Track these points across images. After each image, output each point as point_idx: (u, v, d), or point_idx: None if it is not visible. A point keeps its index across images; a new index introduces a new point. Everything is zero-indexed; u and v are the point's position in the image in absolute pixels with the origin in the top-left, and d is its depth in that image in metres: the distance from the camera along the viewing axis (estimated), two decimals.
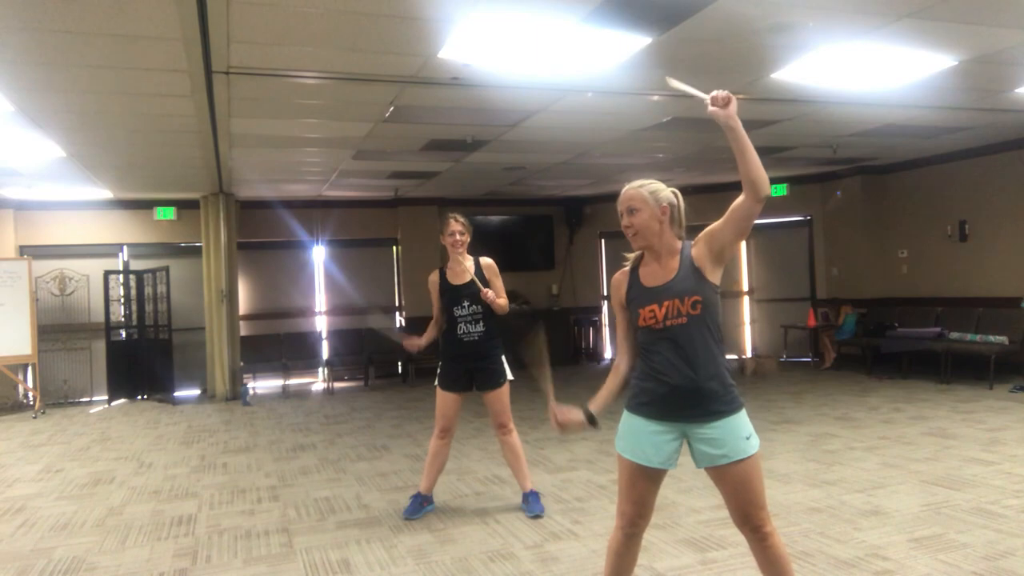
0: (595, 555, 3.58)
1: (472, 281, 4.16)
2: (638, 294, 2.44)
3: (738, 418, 2.35)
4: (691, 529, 3.89)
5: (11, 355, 8.70)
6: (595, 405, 2.48)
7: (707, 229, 2.41)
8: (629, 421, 2.45)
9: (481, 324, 4.20)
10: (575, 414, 2.48)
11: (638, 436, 2.41)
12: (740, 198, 2.27)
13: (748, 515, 2.35)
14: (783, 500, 4.33)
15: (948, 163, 9.10)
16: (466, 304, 4.19)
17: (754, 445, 2.35)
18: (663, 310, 2.35)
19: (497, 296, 4.16)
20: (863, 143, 8.21)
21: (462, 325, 4.20)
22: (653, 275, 2.43)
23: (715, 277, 2.38)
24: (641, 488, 2.43)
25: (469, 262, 4.23)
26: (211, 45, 4.15)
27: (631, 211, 2.42)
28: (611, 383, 2.52)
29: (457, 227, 4.20)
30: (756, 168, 2.19)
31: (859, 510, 4.09)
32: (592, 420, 2.46)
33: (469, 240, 4.26)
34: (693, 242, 2.44)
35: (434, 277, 4.36)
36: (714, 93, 2.21)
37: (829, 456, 5.31)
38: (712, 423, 2.33)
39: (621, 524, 2.47)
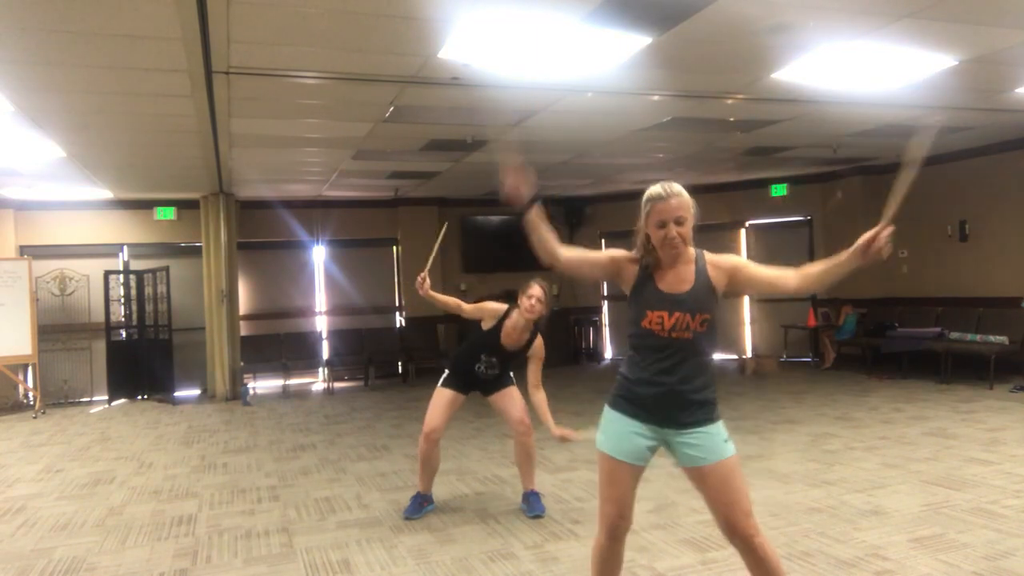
0: None
1: (515, 350, 4.13)
2: (650, 295, 2.36)
3: (718, 426, 2.38)
4: (691, 529, 3.89)
5: (11, 355, 8.69)
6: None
7: (739, 263, 2.41)
8: (612, 418, 2.45)
9: (497, 370, 4.24)
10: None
11: (620, 434, 2.41)
12: (788, 280, 2.32)
13: (736, 523, 2.31)
14: (783, 500, 4.33)
15: (948, 163, 9.09)
16: (493, 359, 4.19)
17: (732, 448, 2.38)
18: (672, 320, 2.31)
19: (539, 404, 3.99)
20: (863, 143, 8.21)
21: (480, 366, 4.22)
22: (668, 281, 2.36)
23: (720, 298, 2.41)
24: (622, 486, 2.43)
25: (529, 333, 4.14)
26: (211, 45, 4.15)
27: (680, 221, 2.29)
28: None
29: (538, 292, 3.94)
30: (832, 282, 2.29)
31: (859, 510, 4.09)
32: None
33: (546, 314, 4.01)
34: (713, 261, 2.39)
35: (493, 310, 4.15)
36: (868, 236, 2.27)
37: (829, 456, 5.31)
38: (694, 430, 2.35)
39: (604, 526, 2.47)
